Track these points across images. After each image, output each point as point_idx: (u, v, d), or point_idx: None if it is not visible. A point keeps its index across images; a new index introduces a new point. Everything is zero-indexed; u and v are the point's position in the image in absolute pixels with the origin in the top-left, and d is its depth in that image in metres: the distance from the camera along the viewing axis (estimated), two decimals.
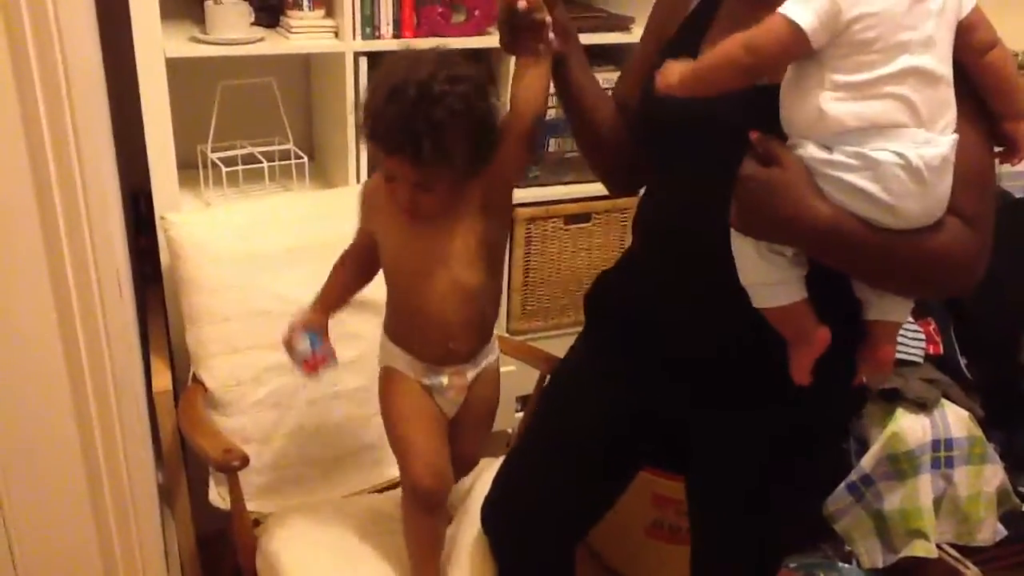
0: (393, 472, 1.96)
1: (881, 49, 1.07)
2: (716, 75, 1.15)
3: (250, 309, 1.96)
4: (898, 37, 1.07)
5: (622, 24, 2.41)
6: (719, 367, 1.38)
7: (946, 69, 1.10)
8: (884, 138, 1.09)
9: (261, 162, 2.23)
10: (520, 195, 2.31)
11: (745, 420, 1.41)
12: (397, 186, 1.52)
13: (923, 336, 2.40)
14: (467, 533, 1.79)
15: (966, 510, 2.29)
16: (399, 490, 1.77)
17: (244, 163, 2.22)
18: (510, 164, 1.54)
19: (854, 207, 1.12)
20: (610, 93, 1.56)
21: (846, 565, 2.36)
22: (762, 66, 1.12)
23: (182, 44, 2.03)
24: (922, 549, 2.24)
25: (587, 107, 1.52)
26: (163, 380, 1.93)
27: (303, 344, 1.67)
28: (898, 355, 2.31)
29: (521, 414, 2.42)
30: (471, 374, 1.70)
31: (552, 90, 1.51)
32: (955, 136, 1.11)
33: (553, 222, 2.47)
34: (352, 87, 2.13)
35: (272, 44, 2.11)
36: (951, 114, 1.12)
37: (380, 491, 2.07)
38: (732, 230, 1.20)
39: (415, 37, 2.14)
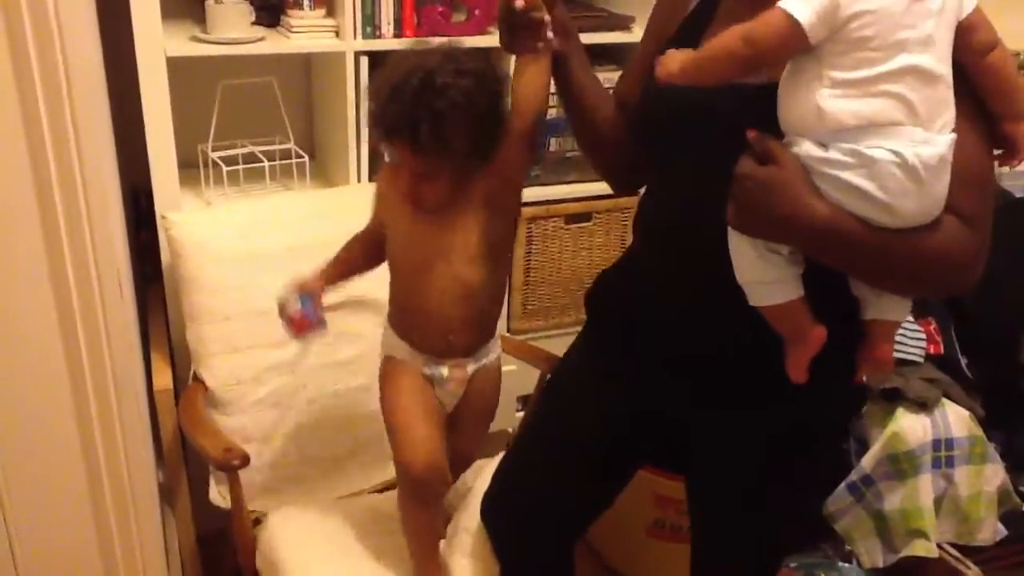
0: (393, 472, 1.96)
1: (879, 47, 1.08)
2: (715, 65, 1.15)
3: (251, 308, 1.96)
4: (896, 35, 1.07)
5: (623, 23, 2.41)
6: (719, 365, 1.38)
7: (945, 69, 1.11)
8: (881, 136, 1.09)
9: (262, 161, 2.23)
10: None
11: (745, 419, 1.41)
12: (400, 174, 1.55)
13: (924, 336, 2.39)
14: (469, 527, 1.80)
15: (966, 510, 2.29)
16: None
17: (245, 162, 2.22)
18: (511, 162, 1.56)
19: (850, 205, 1.12)
20: (611, 92, 1.57)
21: (846, 565, 2.36)
22: (760, 58, 1.13)
23: (183, 43, 2.04)
24: (922, 549, 2.23)
25: (588, 106, 1.52)
26: (164, 379, 1.94)
27: (294, 304, 1.69)
28: (899, 355, 2.31)
29: (521, 414, 2.42)
30: (471, 368, 1.71)
31: (553, 89, 1.51)
32: (953, 136, 1.11)
33: (554, 221, 2.47)
34: (353, 86, 2.14)
35: (273, 43, 2.12)
36: (949, 113, 1.12)
37: (380, 491, 2.07)
38: (729, 228, 1.21)
39: (416, 36, 2.14)
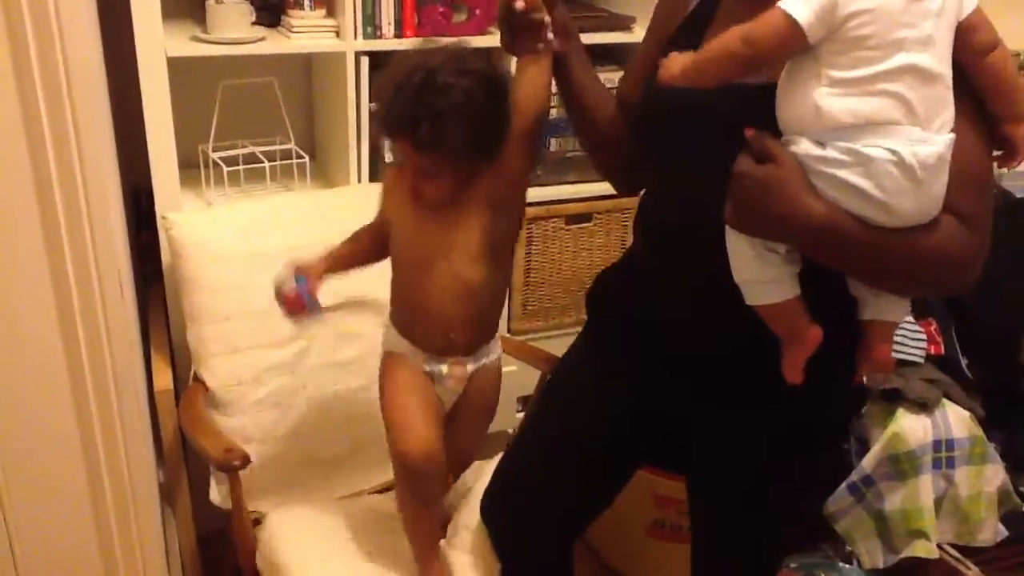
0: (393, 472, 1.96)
1: (877, 46, 1.08)
2: (715, 66, 1.16)
3: (251, 309, 1.96)
4: (895, 34, 1.07)
5: (623, 24, 2.41)
6: (719, 364, 1.38)
7: (944, 68, 1.11)
8: (878, 135, 1.09)
9: (262, 162, 2.23)
10: None
11: (745, 418, 1.41)
12: (404, 171, 1.57)
13: (924, 336, 2.39)
14: (469, 525, 1.80)
15: (967, 510, 2.29)
16: None
17: (245, 163, 2.22)
18: (515, 162, 1.56)
19: (847, 204, 1.12)
20: (613, 92, 1.57)
21: (847, 565, 2.36)
22: (759, 58, 1.13)
23: (183, 43, 2.04)
24: (923, 549, 2.23)
25: (588, 105, 1.52)
26: (164, 379, 1.94)
27: (290, 283, 1.70)
28: (899, 355, 2.31)
29: (522, 415, 2.42)
30: (471, 366, 1.72)
31: (553, 89, 1.52)
32: (951, 135, 1.11)
33: (554, 222, 2.47)
34: (353, 87, 2.14)
35: (273, 44, 2.12)
36: (948, 113, 1.12)
37: (380, 491, 2.07)
38: (727, 227, 1.21)
39: (416, 36, 2.14)
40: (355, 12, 2.09)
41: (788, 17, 1.09)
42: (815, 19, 1.08)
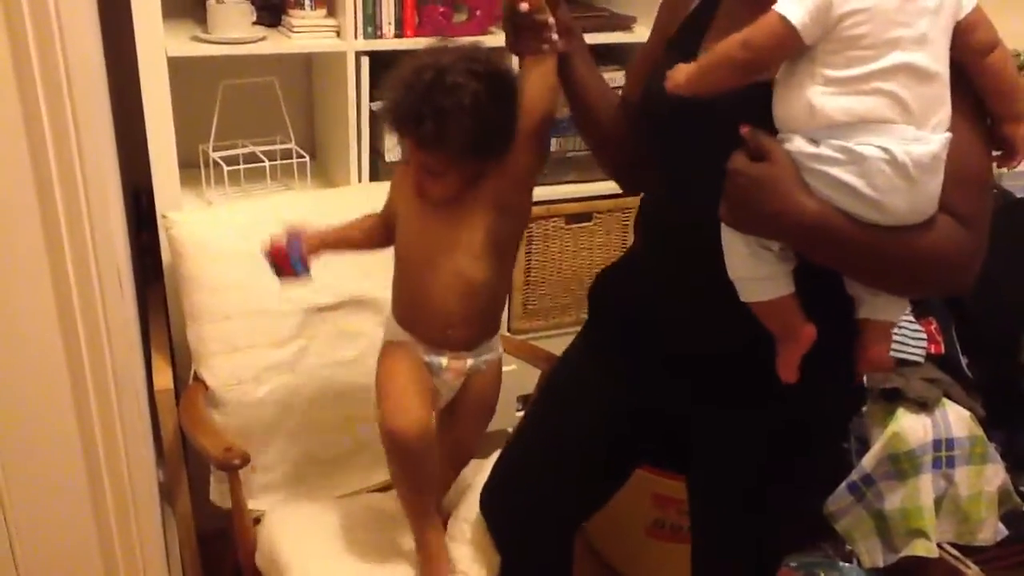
0: None
1: (871, 45, 1.08)
2: (716, 73, 1.17)
3: (251, 308, 1.96)
4: (890, 33, 1.08)
5: (624, 23, 2.41)
6: (719, 364, 1.38)
7: (941, 67, 1.11)
8: (872, 133, 1.09)
9: (263, 161, 2.23)
10: None
11: (744, 418, 1.41)
12: (410, 165, 1.58)
13: (924, 335, 2.39)
14: (469, 518, 1.81)
15: (967, 510, 2.29)
16: None
17: (246, 162, 2.23)
18: (521, 163, 1.58)
19: (840, 202, 1.12)
20: (618, 92, 1.57)
21: (847, 564, 2.36)
22: (758, 62, 1.14)
23: (184, 43, 2.04)
24: (923, 549, 2.23)
25: (592, 105, 1.53)
26: (164, 378, 1.94)
27: (280, 239, 1.69)
28: (899, 354, 2.31)
29: (521, 413, 2.42)
30: (470, 361, 1.72)
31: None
32: (948, 135, 1.12)
33: (554, 221, 2.47)
34: (354, 86, 2.14)
35: (274, 43, 2.12)
36: (945, 112, 1.12)
37: (380, 490, 2.07)
38: (722, 224, 1.22)
39: (416, 36, 2.14)
40: (355, 12, 2.09)
41: (783, 19, 1.10)
42: (809, 20, 1.09)
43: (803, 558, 2.36)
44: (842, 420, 1.61)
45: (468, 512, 1.81)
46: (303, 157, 2.28)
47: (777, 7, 1.11)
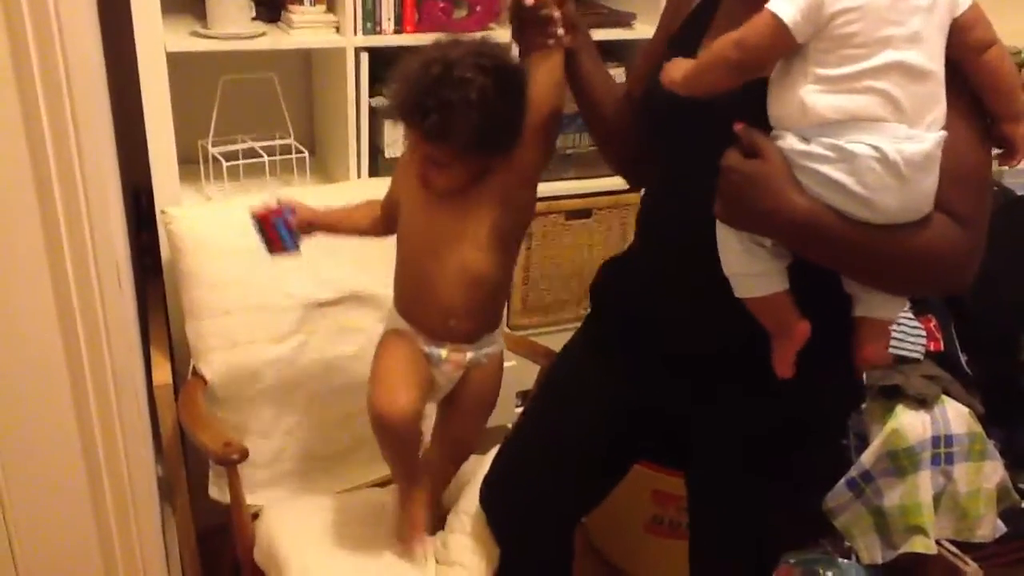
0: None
1: (863, 43, 1.09)
2: (711, 74, 1.17)
3: (250, 303, 1.96)
4: (882, 32, 1.08)
5: (624, 20, 2.41)
6: (718, 362, 1.38)
7: (935, 65, 1.11)
8: (863, 131, 1.10)
9: (262, 157, 2.23)
10: None
11: (743, 415, 1.41)
12: (415, 154, 1.58)
13: (924, 332, 2.39)
14: (468, 510, 1.81)
15: (966, 506, 2.29)
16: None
17: (245, 158, 2.22)
18: (528, 157, 1.58)
19: (830, 200, 1.13)
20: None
21: (845, 561, 2.36)
22: (751, 61, 1.14)
23: (183, 39, 2.03)
24: (922, 545, 2.23)
25: (597, 100, 1.54)
26: (163, 374, 1.94)
27: (271, 204, 1.68)
28: (899, 351, 2.31)
29: (520, 409, 2.42)
30: (470, 354, 1.72)
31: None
32: (942, 133, 1.11)
33: (554, 217, 2.47)
34: (353, 82, 2.14)
35: (273, 39, 2.11)
36: (940, 110, 1.12)
37: (379, 485, 2.07)
38: (717, 220, 1.22)
39: (416, 32, 2.14)
40: (355, 7, 2.09)
41: (775, 17, 1.10)
42: (801, 18, 1.09)
43: (802, 554, 2.36)
44: (841, 417, 1.61)
45: (468, 505, 1.82)
46: (302, 153, 2.27)
47: (769, 5, 1.11)
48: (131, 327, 1.65)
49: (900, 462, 2.24)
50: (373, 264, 2.05)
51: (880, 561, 2.29)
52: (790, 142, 1.14)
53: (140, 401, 1.65)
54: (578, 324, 1.70)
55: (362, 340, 2.05)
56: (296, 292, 2.00)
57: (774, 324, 1.26)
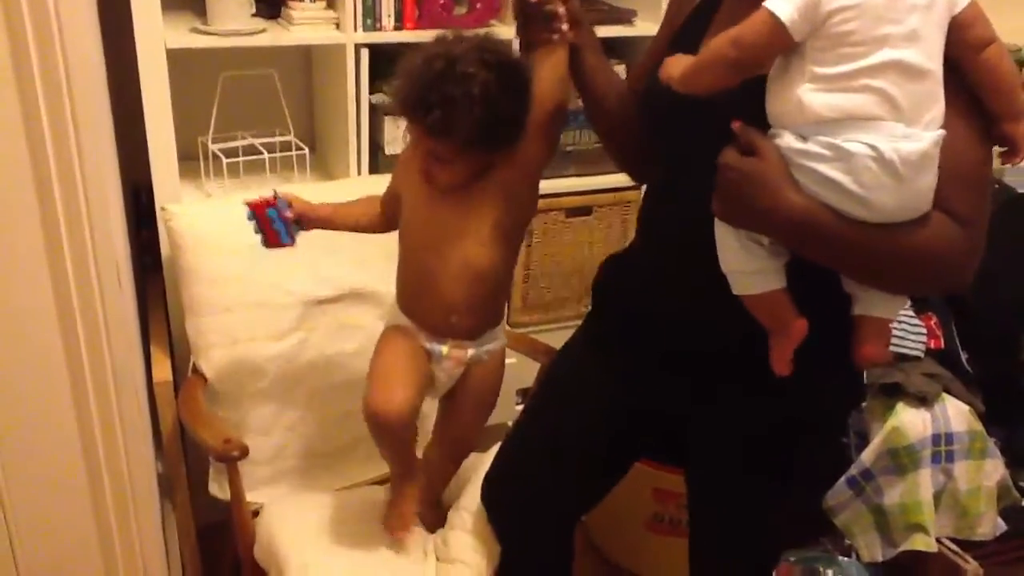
0: None
1: (861, 42, 1.08)
2: (709, 71, 1.17)
3: (250, 300, 1.96)
4: (879, 30, 1.08)
5: (624, 17, 2.40)
6: (718, 361, 1.38)
7: (933, 64, 1.10)
8: (860, 130, 1.09)
9: (262, 153, 2.23)
10: None
11: (743, 414, 1.41)
12: (417, 150, 1.58)
13: (924, 330, 2.39)
14: (470, 507, 1.81)
15: (966, 504, 2.29)
16: None
17: (245, 154, 2.22)
18: (531, 153, 1.58)
19: (827, 198, 1.13)
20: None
21: (846, 559, 2.36)
22: (748, 59, 1.14)
23: (183, 35, 2.03)
24: (922, 543, 2.23)
25: (600, 95, 1.53)
26: (163, 371, 1.94)
27: (266, 197, 1.68)
28: (899, 349, 2.31)
29: (521, 407, 2.42)
30: (471, 351, 1.72)
31: None
32: (940, 132, 1.11)
33: (554, 215, 2.47)
34: (353, 79, 2.13)
35: (273, 35, 2.11)
36: (938, 109, 1.12)
37: (379, 483, 2.07)
38: (716, 218, 1.22)
39: (416, 29, 2.14)
40: (355, 4, 2.08)
41: (771, 15, 1.10)
42: (798, 16, 1.09)
43: (802, 553, 2.36)
44: (841, 415, 1.61)
45: (469, 502, 1.82)
46: (302, 150, 2.27)
47: (767, 3, 1.11)
48: (131, 324, 1.65)
49: (900, 460, 2.24)
50: (373, 261, 2.05)
51: (880, 559, 2.29)
52: (787, 140, 1.14)
53: (140, 398, 1.65)
54: (578, 322, 1.70)
55: (362, 337, 2.05)
56: (296, 289, 2.00)
57: (771, 322, 1.26)
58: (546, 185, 2.40)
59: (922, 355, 2.36)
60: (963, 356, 2.44)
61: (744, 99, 1.18)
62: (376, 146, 2.26)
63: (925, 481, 2.25)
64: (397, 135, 2.20)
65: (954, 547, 2.35)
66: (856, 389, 1.54)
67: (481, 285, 1.66)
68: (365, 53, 2.13)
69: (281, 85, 2.25)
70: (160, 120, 1.95)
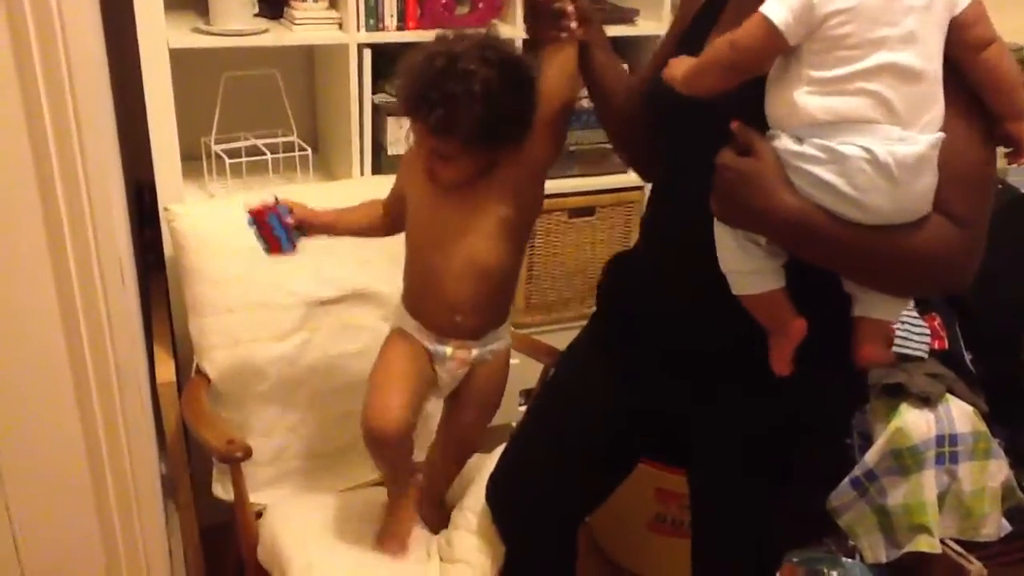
0: None
1: (856, 45, 1.08)
2: (709, 73, 1.18)
3: (253, 301, 1.96)
4: (875, 33, 1.08)
5: (626, 17, 2.40)
6: (718, 361, 1.38)
7: (931, 65, 1.10)
8: (855, 133, 1.09)
9: (264, 154, 2.23)
10: None
11: (744, 415, 1.41)
12: (421, 148, 1.58)
13: (928, 331, 2.39)
14: (474, 508, 1.81)
15: (970, 505, 2.29)
16: None
17: (247, 155, 2.22)
18: (538, 150, 1.58)
19: (822, 200, 1.13)
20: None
21: (849, 560, 2.35)
22: (744, 62, 1.15)
23: (186, 35, 2.03)
24: (926, 544, 2.23)
25: (609, 93, 1.54)
26: (166, 371, 1.94)
27: (267, 203, 1.68)
28: (903, 350, 2.31)
29: (524, 408, 2.42)
30: (476, 351, 1.72)
31: None
32: (938, 135, 1.11)
33: (557, 215, 2.47)
34: (356, 79, 2.13)
35: (276, 35, 2.11)
36: (936, 110, 1.11)
37: (381, 484, 2.07)
38: (715, 218, 1.22)
39: (419, 29, 2.14)
40: (357, 4, 2.09)
41: (765, 19, 1.10)
42: (792, 20, 1.09)
43: (806, 553, 2.36)
44: (844, 416, 1.61)
45: (473, 503, 1.82)
46: (305, 150, 2.27)
47: (762, 8, 1.11)
48: (134, 324, 1.65)
49: (904, 461, 2.24)
50: (376, 262, 2.05)
51: (884, 560, 2.28)
52: (784, 142, 1.14)
53: (143, 398, 1.65)
54: (582, 322, 1.70)
55: (365, 338, 2.05)
56: (299, 290, 2.00)
57: (770, 322, 1.26)
58: (549, 185, 2.38)
59: (926, 356, 2.36)
60: (967, 357, 2.43)
61: (745, 101, 1.18)
62: (379, 146, 2.26)
63: (929, 482, 2.24)
64: (400, 135, 2.20)
65: (958, 548, 2.34)
66: (858, 390, 1.54)
67: (485, 283, 1.65)
68: (368, 53, 2.13)
69: (284, 85, 2.25)
70: (163, 120, 1.95)
